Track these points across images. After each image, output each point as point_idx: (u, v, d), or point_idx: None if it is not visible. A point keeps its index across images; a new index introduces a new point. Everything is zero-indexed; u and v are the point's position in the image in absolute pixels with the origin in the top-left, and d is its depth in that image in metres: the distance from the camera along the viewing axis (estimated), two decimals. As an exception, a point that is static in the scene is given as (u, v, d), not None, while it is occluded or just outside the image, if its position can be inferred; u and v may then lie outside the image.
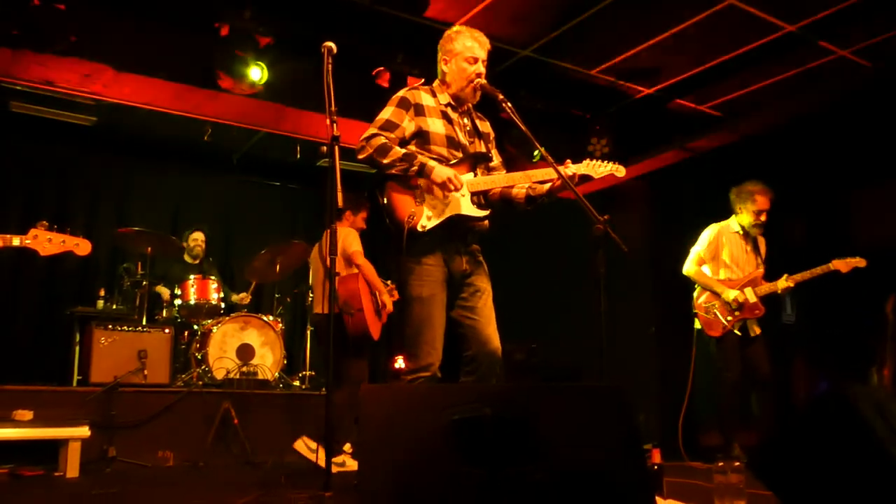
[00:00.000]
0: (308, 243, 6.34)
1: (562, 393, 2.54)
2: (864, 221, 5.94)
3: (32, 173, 7.18)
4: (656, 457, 4.11)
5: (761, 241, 5.11)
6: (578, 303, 5.28)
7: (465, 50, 3.20)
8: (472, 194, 3.13)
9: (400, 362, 7.45)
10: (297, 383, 6.05)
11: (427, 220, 3.03)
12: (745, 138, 6.30)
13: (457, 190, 3.02)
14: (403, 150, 3.04)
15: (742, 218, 5.02)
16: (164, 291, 6.28)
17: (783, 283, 4.85)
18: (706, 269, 5.05)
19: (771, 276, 4.97)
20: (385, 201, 3.06)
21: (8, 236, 3.39)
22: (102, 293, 6.13)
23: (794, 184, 5.89)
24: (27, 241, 3.41)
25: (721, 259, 5.03)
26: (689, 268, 5.07)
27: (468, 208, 3.10)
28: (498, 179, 3.22)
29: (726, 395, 4.84)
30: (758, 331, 4.94)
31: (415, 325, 3.01)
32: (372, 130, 3.09)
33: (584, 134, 6.22)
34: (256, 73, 4.99)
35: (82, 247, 3.57)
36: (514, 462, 2.22)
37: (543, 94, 6.05)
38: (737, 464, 3.35)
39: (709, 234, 5.09)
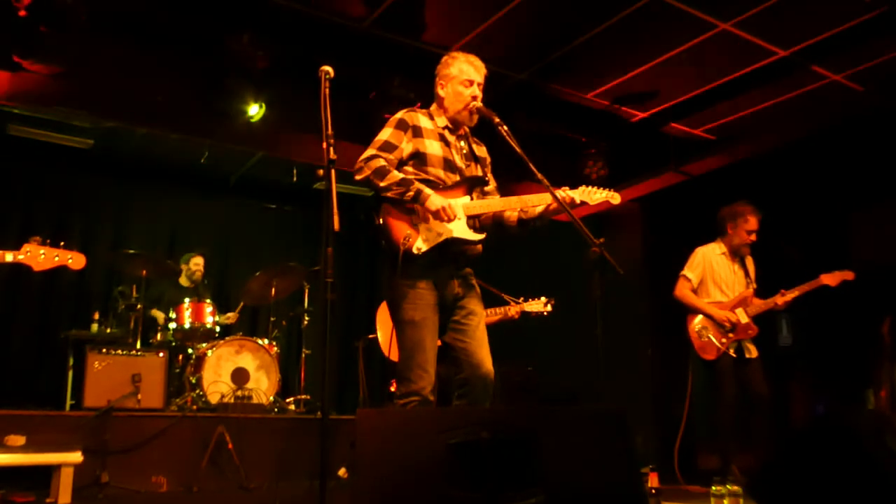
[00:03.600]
0: (305, 266, 6.33)
1: (562, 415, 2.53)
2: (861, 243, 5.95)
3: (30, 196, 7.18)
4: (653, 480, 4.08)
5: (749, 261, 5.09)
6: (575, 325, 5.28)
7: (461, 73, 3.23)
8: (468, 217, 3.13)
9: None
10: (292, 407, 6.00)
11: (423, 242, 3.03)
12: (740, 161, 6.34)
13: (449, 221, 3.02)
14: (401, 175, 3.04)
15: (731, 238, 5.01)
16: (160, 315, 6.25)
17: (780, 299, 4.83)
18: (696, 293, 5.03)
19: (764, 295, 4.95)
20: (381, 222, 3.05)
21: (0, 252, 3.37)
22: (97, 316, 6.10)
23: (787, 206, 5.91)
24: (20, 257, 3.38)
25: (710, 282, 5.01)
26: (678, 292, 5.05)
27: (463, 232, 3.10)
28: (494, 203, 3.23)
29: (723, 418, 4.80)
30: (754, 352, 4.88)
31: (407, 349, 2.99)
32: (371, 151, 3.09)
33: (580, 157, 6.26)
34: (254, 109, 5.08)
35: (76, 260, 3.53)
36: (512, 486, 2.20)
37: (539, 118, 6.09)
38: (734, 487, 3.34)
39: (695, 257, 5.07)
